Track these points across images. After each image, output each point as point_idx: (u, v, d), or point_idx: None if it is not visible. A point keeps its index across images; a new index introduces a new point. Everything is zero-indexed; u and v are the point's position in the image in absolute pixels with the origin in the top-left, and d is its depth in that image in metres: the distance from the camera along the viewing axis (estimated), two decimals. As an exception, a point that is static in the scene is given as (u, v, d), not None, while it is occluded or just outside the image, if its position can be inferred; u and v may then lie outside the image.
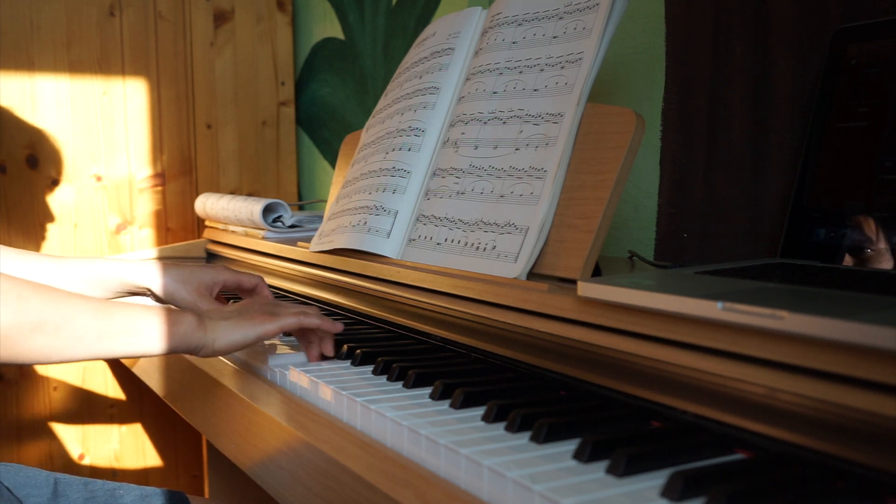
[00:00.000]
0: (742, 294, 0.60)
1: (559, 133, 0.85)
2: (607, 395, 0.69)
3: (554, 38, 0.92)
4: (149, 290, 1.00)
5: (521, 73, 0.94)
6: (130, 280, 1.01)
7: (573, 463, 0.56)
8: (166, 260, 1.01)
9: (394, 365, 0.81)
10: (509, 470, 0.53)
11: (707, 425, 0.61)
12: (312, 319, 0.85)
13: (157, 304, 0.84)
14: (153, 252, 1.69)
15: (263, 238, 1.45)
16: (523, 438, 0.61)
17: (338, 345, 0.91)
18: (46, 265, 0.99)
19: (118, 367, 1.81)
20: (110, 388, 1.82)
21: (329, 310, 1.16)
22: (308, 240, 1.25)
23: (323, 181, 2.02)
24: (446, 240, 0.93)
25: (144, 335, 0.75)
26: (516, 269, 0.82)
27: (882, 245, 0.75)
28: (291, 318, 0.84)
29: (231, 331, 0.80)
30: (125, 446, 1.85)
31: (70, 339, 0.70)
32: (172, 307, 0.82)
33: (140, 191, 1.84)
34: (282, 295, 1.32)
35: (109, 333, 0.73)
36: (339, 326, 0.88)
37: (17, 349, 0.68)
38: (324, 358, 0.90)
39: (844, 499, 0.49)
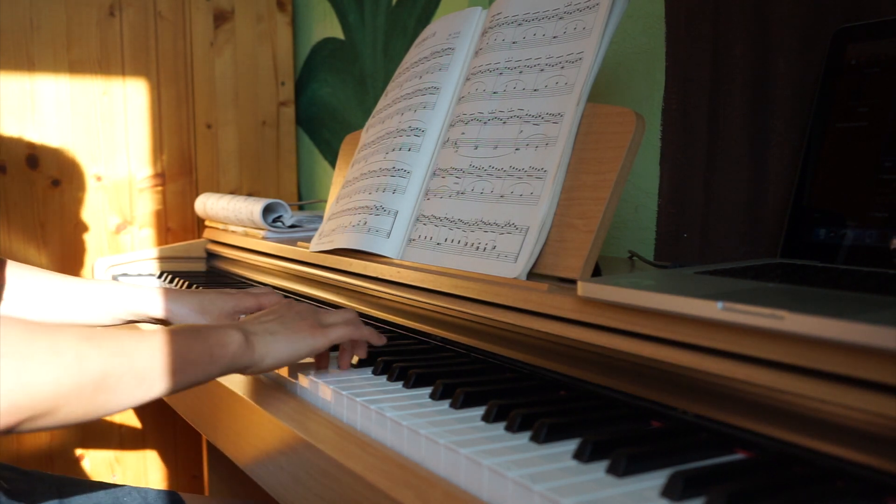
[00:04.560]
0: (742, 294, 0.60)
1: (559, 133, 0.85)
2: (607, 395, 0.69)
3: (554, 38, 0.92)
4: (167, 321, 0.95)
5: (521, 73, 0.94)
6: (143, 310, 0.96)
7: (573, 463, 0.56)
8: (183, 289, 0.97)
9: (394, 365, 0.80)
10: (509, 470, 0.53)
11: (707, 425, 0.61)
12: (362, 331, 0.81)
13: (196, 323, 0.77)
14: (153, 252, 1.69)
15: (263, 238, 1.45)
16: (523, 438, 0.61)
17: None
18: (55, 284, 0.96)
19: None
20: (110, 388, 1.82)
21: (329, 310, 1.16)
22: (308, 240, 1.25)
23: (323, 181, 2.02)
24: (446, 240, 0.93)
25: (197, 365, 0.69)
26: (516, 269, 0.82)
27: (882, 245, 0.75)
28: (342, 330, 0.79)
29: (280, 347, 0.75)
30: (125, 446, 1.85)
31: (129, 388, 0.63)
32: (213, 325, 0.74)
33: (140, 191, 1.84)
34: (282, 295, 1.31)
35: (166, 372, 0.66)
36: (383, 339, 0.84)
37: (80, 411, 0.60)
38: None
39: (844, 499, 0.49)
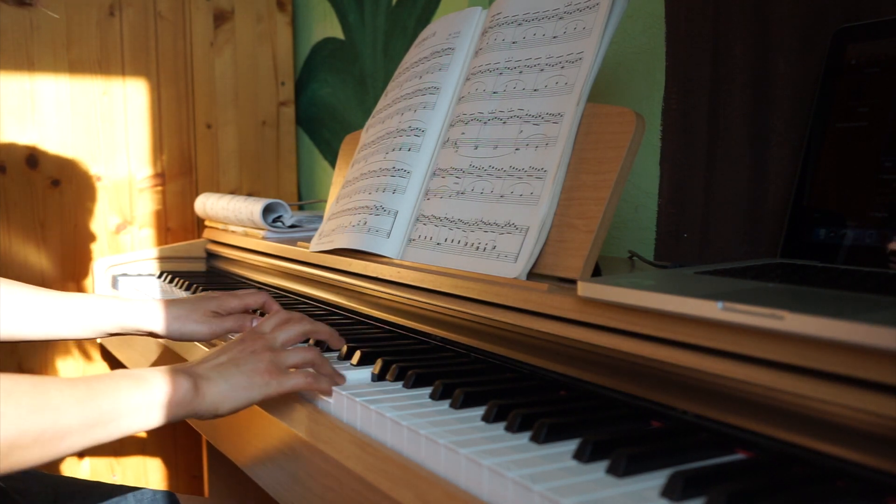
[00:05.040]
0: (742, 294, 0.60)
1: (559, 133, 0.85)
2: (607, 395, 0.69)
3: (554, 37, 0.92)
4: (151, 333, 0.95)
5: (521, 73, 0.94)
6: (127, 323, 0.95)
7: (573, 463, 0.56)
8: (166, 300, 0.96)
9: (394, 365, 0.81)
10: (509, 470, 0.53)
11: (707, 425, 0.61)
12: (320, 383, 0.75)
13: (147, 368, 0.75)
14: (153, 252, 1.69)
15: (263, 238, 1.45)
16: (523, 438, 0.61)
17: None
18: (38, 300, 0.94)
19: (118, 367, 1.81)
20: (110, 388, 1.82)
21: (329, 310, 1.16)
22: (308, 240, 1.25)
23: (323, 181, 2.02)
24: (446, 240, 0.93)
25: (137, 414, 0.67)
26: (516, 269, 0.82)
27: (882, 245, 0.75)
28: (296, 381, 0.75)
29: (232, 395, 0.72)
30: (125, 447, 1.85)
31: (59, 440, 0.62)
32: (163, 368, 0.71)
33: (140, 191, 1.84)
34: (282, 295, 1.32)
35: (99, 422, 0.65)
36: (343, 380, 0.79)
37: (14, 465, 0.60)
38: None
39: (844, 499, 0.49)
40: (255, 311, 1.01)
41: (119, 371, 0.70)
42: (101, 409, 0.65)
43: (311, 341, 0.92)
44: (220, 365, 0.74)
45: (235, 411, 0.73)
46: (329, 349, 0.91)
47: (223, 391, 0.71)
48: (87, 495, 1.00)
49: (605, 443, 0.56)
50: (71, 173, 1.77)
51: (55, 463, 1.75)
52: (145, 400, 0.68)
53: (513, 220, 0.86)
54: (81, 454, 1.80)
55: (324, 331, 0.86)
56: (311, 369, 0.78)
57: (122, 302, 0.96)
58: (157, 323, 0.94)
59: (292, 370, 0.77)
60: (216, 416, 0.72)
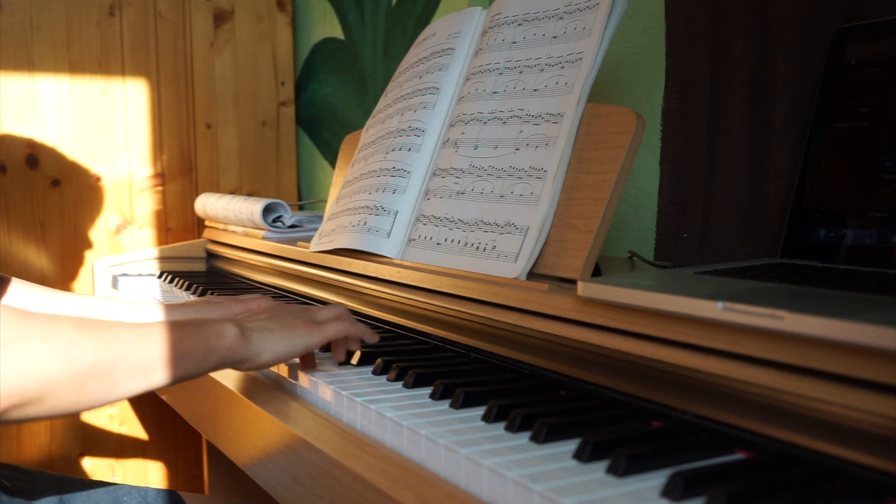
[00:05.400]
0: (742, 294, 0.60)
1: (559, 133, 0.85)
2: (607, 395, 0.69)
3: (554, 38, 0.92)
4: None
5: (521, 73, 0.94)
6: None
7: (573, 463, 0.56)
8: (170, 304, 0.97)
9: (394, 365, 0.81)
10: (509, 470, 0.53)
11: (707, 425, 0.61)
12: (357, 327, 0.82)
13: (191, 315, 0.77)
14: (153, 252, 1.69)
15: (263, 238, 1.45)
16: (523, 438, 0.61)
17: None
18: (46, 300, 0.95)
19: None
20: (110, 388, 1.82)
21: (329, 310, 1.16)
22: (308, 240, 1.25)
23: (323, 181, 2.02)
24: (446, 240, 0.93)
25: (192, 357, 0.68)
26: (516, 269, 0.82)
27: (882, 245, 0.75)
28: (337, 327, 0.80)
29: (276, 343, 0.75)
30: (125, 446, 1.85)
31: (122, 377, 0.62)
32: (208, 318, 0.73)
33: (140, 191, 1.84)
34: (282, 295, 1.32)
35: (159, 363, 0.65)
36: (376, 337, 0.86)
37: (72, 400, 0.59)
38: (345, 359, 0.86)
39: (844, 499, 0.49)
40: None
41: (168, 321, 0.71)
42: (160, 348, 0.66)
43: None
44: (263, 319, 0.77)
45: (276, 362, 0.75)
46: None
47: (267, 339, 0.74)
48: (89, 494, 1.00)
49: (605, 443, 0.56)
50: (71, 173, 1.77)
51: (57, 462, 1.75)
52: (199, 344, 0.69)
53: (513, 220, 0.86)
54: (81, 453, 1.80)
55: (363, 332, 0.86)
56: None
57: (126, 305, 0.97)
58: None
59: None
60: (257, 366, 0.74)
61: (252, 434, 0.81)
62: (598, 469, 0.54)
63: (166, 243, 1.87)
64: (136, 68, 1.83)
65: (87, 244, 1.79)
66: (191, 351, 0.68)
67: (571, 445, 0.58)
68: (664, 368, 0.64)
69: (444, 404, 0.71)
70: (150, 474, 1.89)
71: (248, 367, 0.74)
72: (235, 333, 0.72)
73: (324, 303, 1.19)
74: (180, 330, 0.68)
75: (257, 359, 0.73)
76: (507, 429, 0.63)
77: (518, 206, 0.86)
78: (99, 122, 1.79)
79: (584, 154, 0.83)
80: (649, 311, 0.63)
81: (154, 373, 0.65)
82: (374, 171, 1.09)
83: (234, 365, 0.73)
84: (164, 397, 1.15)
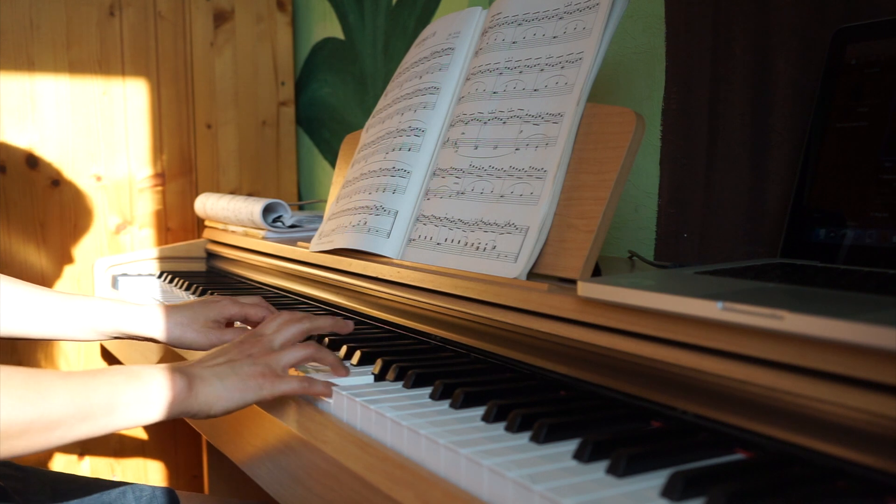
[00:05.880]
0: (742, 294, 0.60)
1: (559, 133, 0.85)
2: (607, 395, 0.69)
3: (554, 38, 0.92)
4: (151, 338, 0.95)
5: (521, 73, 0.94)
6: (130, 329, 0.95)
7: (573, 463, 0.56)
8: (167, 305, 0.96)
9: (394, 365, 0.81)
10: (509, 470, 0.53)
11: (707, 425, 0.61)
12: (316, 388, 0.76)
13: (144, 365, 0.76)
14: (153, 252, 1.69)
15: (263, 238, 1.45)
16: (523, 438, 0.61)
17: (338, 345, 0.91)
18: (43, 299, 0.95)
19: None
20: (110, 388, 1.82)
21: (329, 310, 1.16)
22: (308, 240, 1.25)
23: (323, 181, 2.02)
24: (446, 240, 0.93)
25: (130, 409, 0.67)
26: (516, 269, 0.82)
27: (882, 245, 0.75)
28: (292, 385, 0.75)
29: (226, 395, 0.72)
30: (125, 446, 1.85)
31: (49, 430, 0.63)
32: (160, 366, 0.72)
33: (140, 191, 1.84)
34: (282, 295, 1.32)
35: (91, 415, 0.65)
36: (350, 326, 0.86)
37: (3, 453, 0.61)
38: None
39: (844, 499, 0.49)
40: (255, 324, 1.00)
41: (116, 367, 0.71)
42: (93, 403, 0.65)
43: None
44: (217, 366, 0.75)
45: (228, 412, 0.73)
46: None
47: (217, 392, 0.72)
48: (86, 492, 1.00)
49: (605, 443, 0.56)
50: (71, 173, 1.77)
51: (57, 461, 1.75)
52: (139, 396, 0.68)
53: (513, 220, 0.86)
54: (81, 453, 1.80)
55: (325, 325, 0.85)
56: (311, 366, 0.77)
57: (124, 306, 0.96)
58: (157, 330, 0.94)
59: (291, 371, 0.77)
60: (209, 416, 0.73)
61: (252, 434, 0.81)
62: (598, 469, 0.54)
63: (166, 243, 1.87)
64: (135, 68, 1.83)
65: (87, 244, 1.79)
66: (128, 403, 0.68)
67: (571, 445, 0.58)
68: (664, 368, 0.64)
69: (444, 404, 0.71)
70: (151, 474, 1.89)
71: (202, 418, 0.73)
72: (181, 386, 0.70)
73: (324, 303, 1.19)
74: (120, 381, 0.68)
75: (208, 411, 0.72)
76: (507, 429, 0.63)
77: (518, 206, 0.86)
78: (99, 122, 1.79)
79: (584, 154, 0.83)
80: (649, 311, 0.63)
81: (87, 423, 0.65)
82: (374, 171, 1.09)
83: (184, 416, 0.72)
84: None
